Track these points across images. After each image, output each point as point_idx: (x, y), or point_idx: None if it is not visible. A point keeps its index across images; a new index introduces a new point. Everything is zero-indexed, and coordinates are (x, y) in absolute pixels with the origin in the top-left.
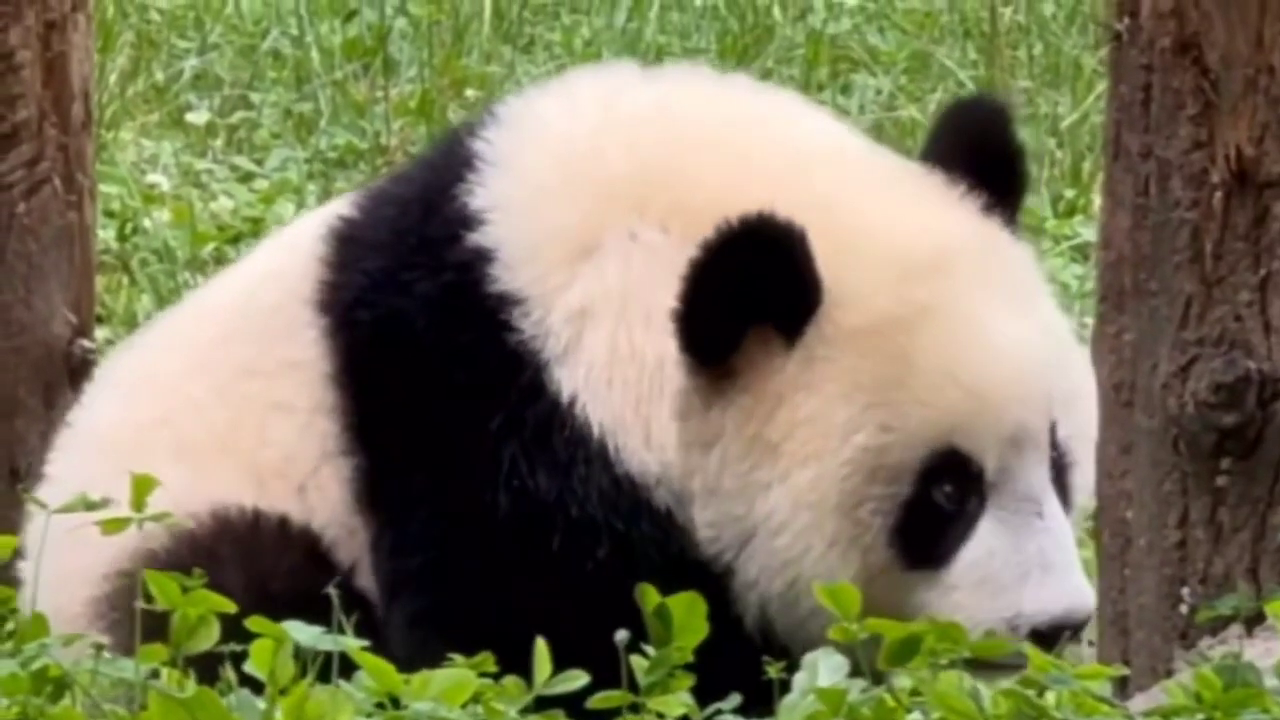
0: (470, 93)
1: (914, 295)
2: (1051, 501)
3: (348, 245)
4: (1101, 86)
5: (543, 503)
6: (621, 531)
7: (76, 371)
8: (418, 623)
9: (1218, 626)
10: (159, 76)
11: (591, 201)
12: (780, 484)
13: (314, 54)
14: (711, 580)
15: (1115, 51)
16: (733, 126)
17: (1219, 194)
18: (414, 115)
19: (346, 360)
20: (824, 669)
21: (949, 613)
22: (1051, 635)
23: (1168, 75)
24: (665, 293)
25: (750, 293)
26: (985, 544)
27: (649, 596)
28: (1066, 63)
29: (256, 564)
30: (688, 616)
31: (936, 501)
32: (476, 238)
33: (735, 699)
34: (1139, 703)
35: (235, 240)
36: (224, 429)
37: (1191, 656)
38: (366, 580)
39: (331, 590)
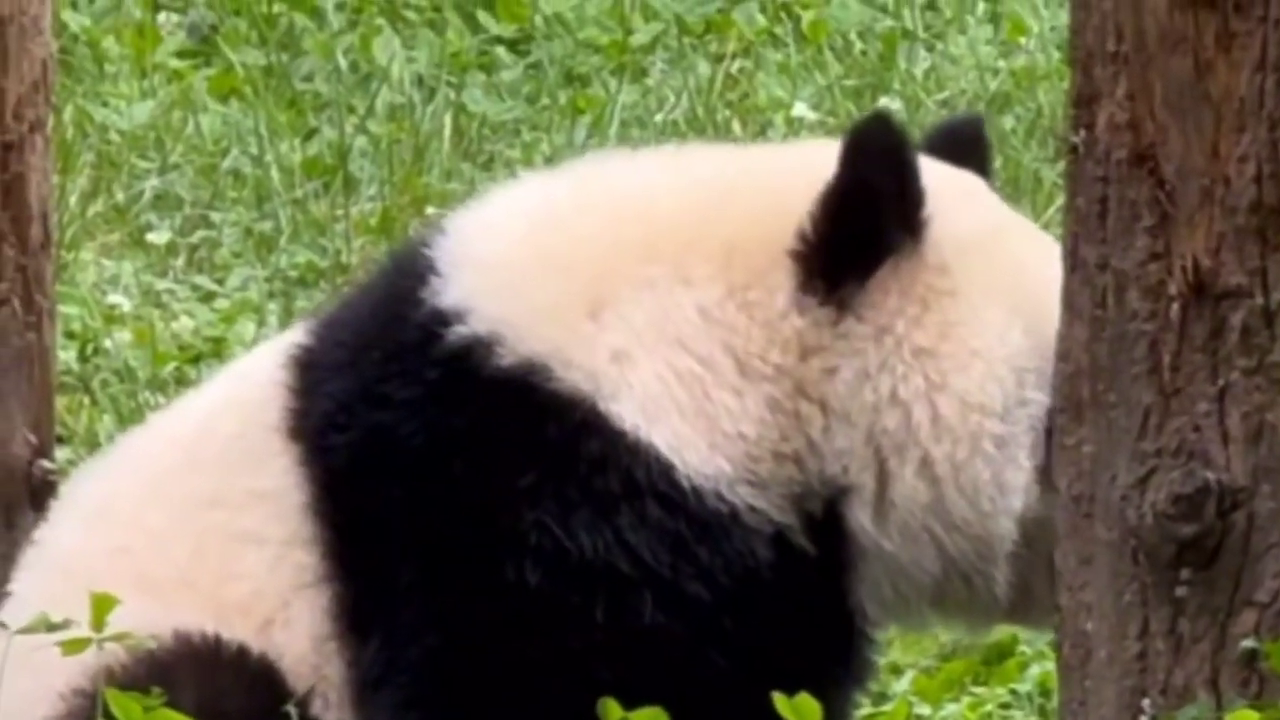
0: (431, 210)
1: (986, 216)
2: None
3: (310, 371)
4: (1061, 199)
5: (585, 563)
6: (676, 572)
7: (37, 492)
8: None
9: None
10: (119, 197)
11: (590, 263)
12: (940, 389)
13: (274, 173)
14: (799, 571)
15: (1072, 164)
16: (698, 169)
17: (1176, 305)
18: (375, 233)
19: (323, 487)
20: None
21: None
22: None
23: (1124, 187)
24: (692, 324)
25: (889, 199)
26: None
27: (611, 713)
28: (1026, 176)
29: (213, 685)
30: None
31: None
32: (461, 329)
33: None
34: None
35: (196, 360)
36: (185, 562)
37: None
38: (323, 710)
39: (290, 708)
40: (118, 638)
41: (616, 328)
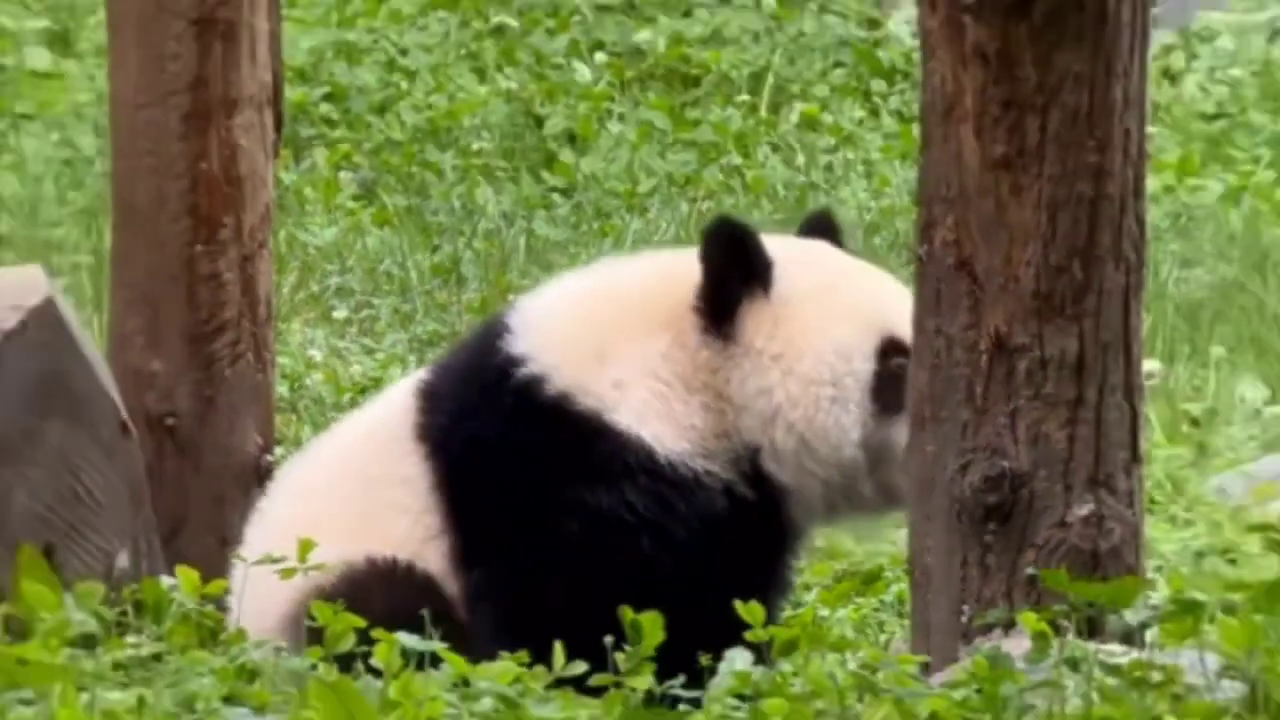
0: (512, 296)
1: (819, 264)
2: None
3: (430, 397)
4: (910, 289)
5: (603, 515)
6: (656, 511)
7: (262, 476)
8: (504, 633)
9: (986, 630)
10: (315, 289)
11: (610, 336)
12: (788, 375)
13: (413, 273)
14: (747, 504)
15: (918, 268)
16: (657, 267)
17: (985, 357)
18: (477, 311)
19: (440, 474)
20: (738, 660)
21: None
22: None
23: (952, 283)
24: (657, 361)
25: (737, 267)
26: None
27: (627, 616)
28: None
29: (394, 592)
30: (652, 628)
31: (892, 370)
32: (524, 370)
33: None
34: (937, 679)
35: (363, 392)
36: (358, 523)
37: (969, 650)
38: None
39: (424, 612)
40: (316, 567)
41: (615, 367)
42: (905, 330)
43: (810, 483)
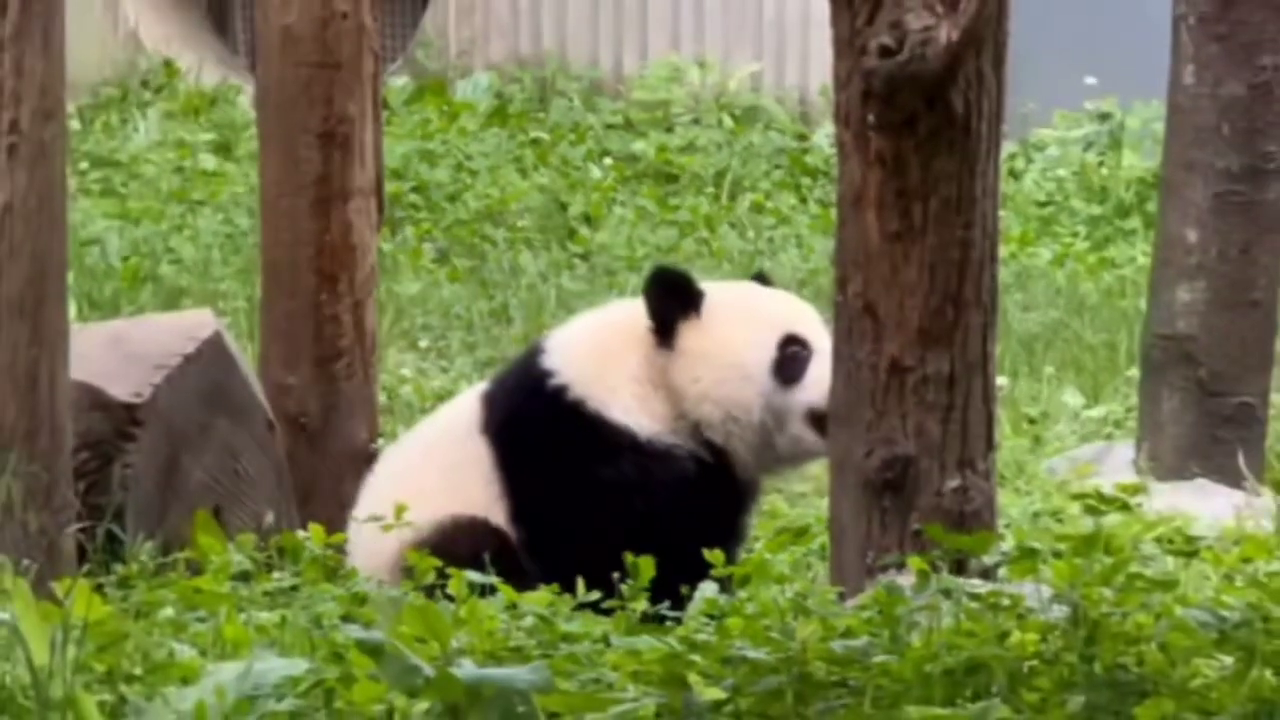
0: (546, 332)
1: (740, 295)
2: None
3: (490, 401)
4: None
5: (604, 483)
6: (642, 477)
7: (370, 459)
8: (546, 570)
9: (884, 570)
10: (405, 325)
11: (607, 355)
12: (710, 366)
13: (475, 315)
14: (709, 467)
15: (836, 310)
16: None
17: (884, 374)
18: (521, 342)
19: (500, 457)
20: (707, 590)
21: (800, 402)
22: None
23: (859, 322)
24: (635, 371)
25: (673, 297)
26: (814, 369)
27: (629, 559)
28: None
29: (473, 541)
30: (646, 568)
31: (788, 355)
32: (554, 381)
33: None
34: (849, 604)
35: (440, 399)
36: (447, 494)
37: (872, 584)
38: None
39: (486, 555)
40: (407, 524)
41: (610, 376)
42: (801, 328)
43: (738, 444)
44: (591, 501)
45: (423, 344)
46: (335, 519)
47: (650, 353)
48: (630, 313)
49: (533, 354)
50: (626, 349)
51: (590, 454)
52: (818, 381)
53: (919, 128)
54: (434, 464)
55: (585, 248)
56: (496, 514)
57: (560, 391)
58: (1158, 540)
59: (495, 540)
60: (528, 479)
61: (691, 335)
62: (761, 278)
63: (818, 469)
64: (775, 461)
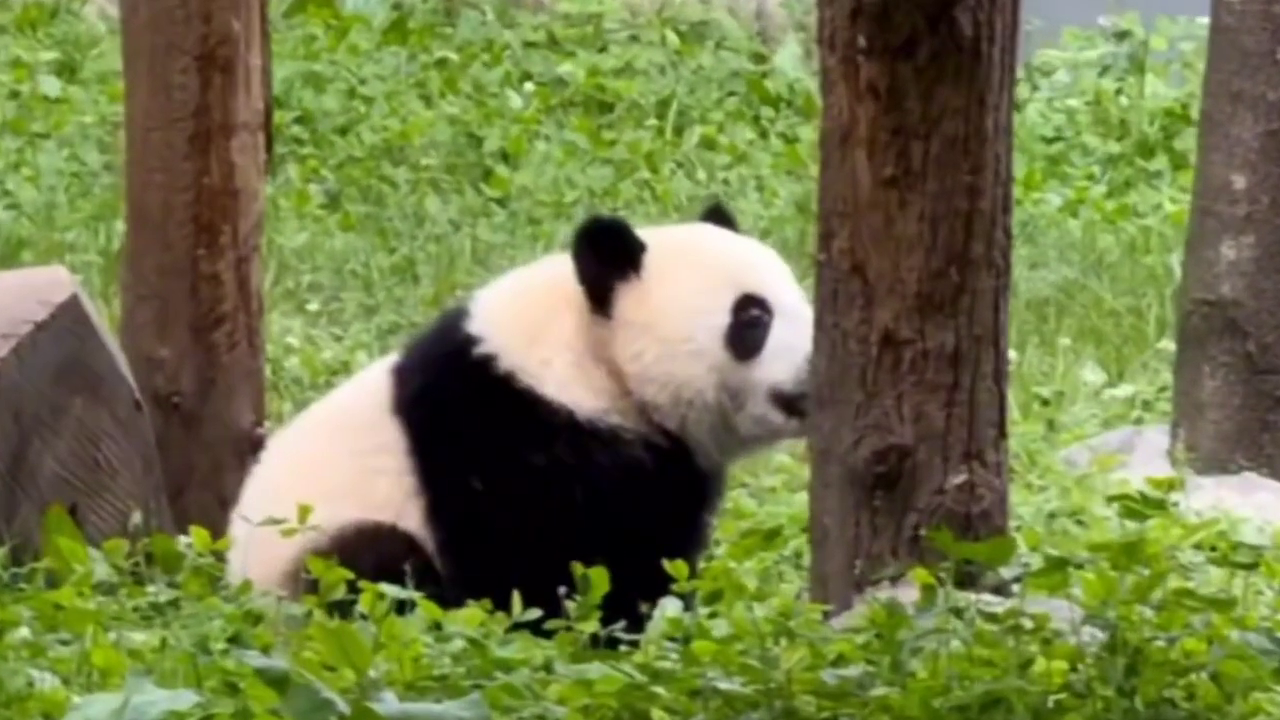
0: (460, 292)
1: (691, 247)
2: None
3: (403, 376)
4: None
5: (536, 469)
6: (583, 464)
7: (255, 445)
8: (469, 579)
9: (875, 581)
10: (290, 285)
11: (540, 321)
12: (657, 338)
13: (374, 271)
14: (665, 453)
15: (818, 270)
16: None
17: (875, 348)
18: (430, 305)
19: (414, 440)
20: (670, 607)
21: (761, 379)
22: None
23: (847, 284)
24: (571, 340)
25: (606, 256)
26: (778, 337)
27: (577, 569)
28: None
29: (380, 552)
30: (599, 580)
31: (746, 320)
32: (479, 350)
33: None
34: (835, 622)
35: (334, 374)
36: (348, 487)
37: (863, 598)
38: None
39: (406, 566)
40: (313, 528)
41: (542, 347)
42: (761, 286)
43: (694, 428)
44: (525, 493)
45: (311, 306)
46: (213, 517)
47: (588, 321)
48: (566, 271)
49: (453, 319)
50: (562, 315)
51: (522, 436)
52: (782, 353)
53: (919, 52)
54: (335, 454)
55: (503, 191)
56: (411, 514)
57: (486, 363)
58: (1198, 546)
59: (406, 550)
60: (449, 469)
61: (631, 301)
62: (717, 214)
63: (789, 457)
64: (740, 446)
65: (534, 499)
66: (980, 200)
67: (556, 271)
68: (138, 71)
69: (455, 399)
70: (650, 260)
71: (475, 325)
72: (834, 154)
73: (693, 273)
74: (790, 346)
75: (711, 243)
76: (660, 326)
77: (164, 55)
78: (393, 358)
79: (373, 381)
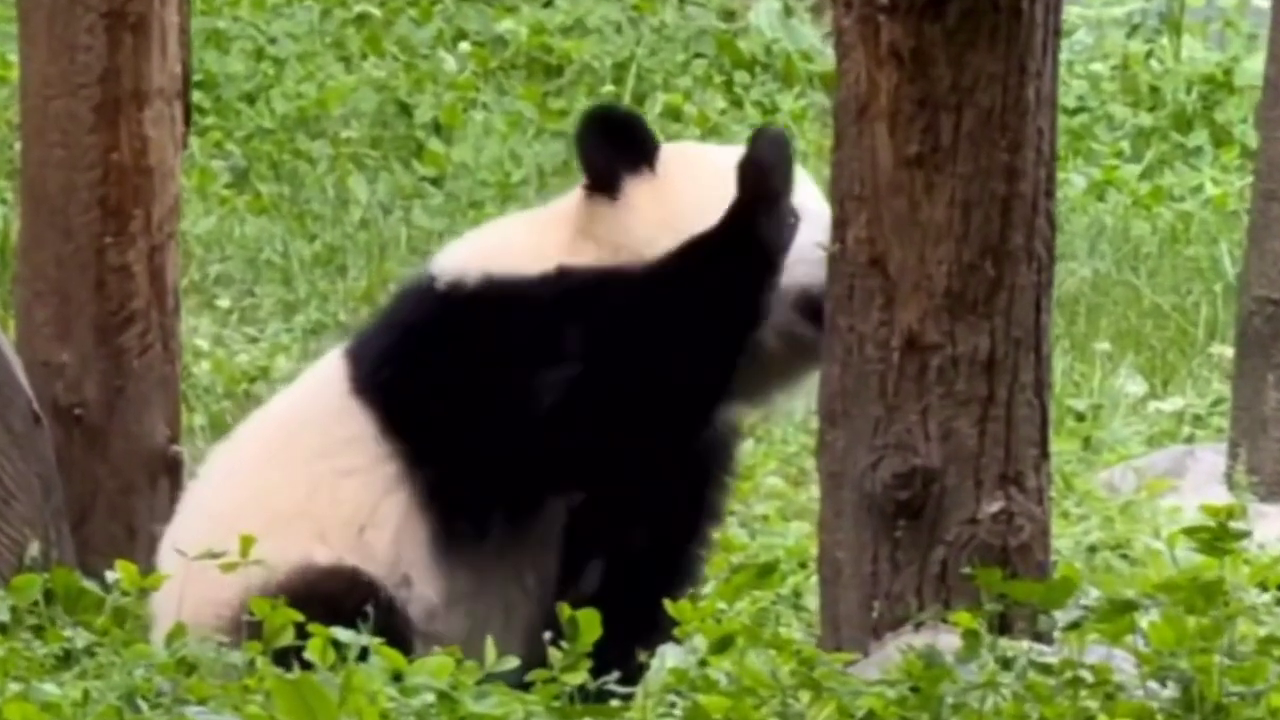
0: (392, 286)
1: (706, 152)
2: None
3: (359, 353)
4: None
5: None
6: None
7: (170, 466)
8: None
9: (895, 626)
10: (196, 277)
11: (507, 236)
12: (674, 229)
13: (294, 261)
14: None
15: (831, 263)
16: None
17: (896, 354)
18: (360, 300)
19: (387, 410)
20: (671, 655)
21: (787, 284)
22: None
23: (864, 279)
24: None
25: (619, 142)
26: (804, 240)
27: (564, 611)
28: None
29: (333, 593)
30: (589, 626)
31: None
32: (447, 276)
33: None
34: (855, 671)
35: (253, 381)
36: (302, 499)
37: (885, 646)
38: (405, 591)
39: (369, 609)
40: (257, 562)
41: (527, 244)
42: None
43: None
44: (542, 367)
45: (221, 303)
46: (121, 548)
47: (581, 207)
48: (552, 208)
49: (413, 278)
50: (550, 228)
51: (518, 323)
52: (809, 255)
53: (949, 9)
54: (288, 465)
55: (438, 169)
56: (388, 516)
57: (458, 281)
58: (1262, 585)
59: (366, 592)
60: (440, 387)
61: (644, 192)
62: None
63: (783, 480)
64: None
65: (512, 416)
66: (1020, 182)
67: (538, 212)
68: (34, 29)
69: (428, 325)
70: (666, 158)
71: (439, 263)
72: (849, 129)
73: (713, 172)
74: (818, 250)
75: (729, 149)
76: (678, 221)
77: (65, 11)
78: (342, 345)
79: (322, 373)
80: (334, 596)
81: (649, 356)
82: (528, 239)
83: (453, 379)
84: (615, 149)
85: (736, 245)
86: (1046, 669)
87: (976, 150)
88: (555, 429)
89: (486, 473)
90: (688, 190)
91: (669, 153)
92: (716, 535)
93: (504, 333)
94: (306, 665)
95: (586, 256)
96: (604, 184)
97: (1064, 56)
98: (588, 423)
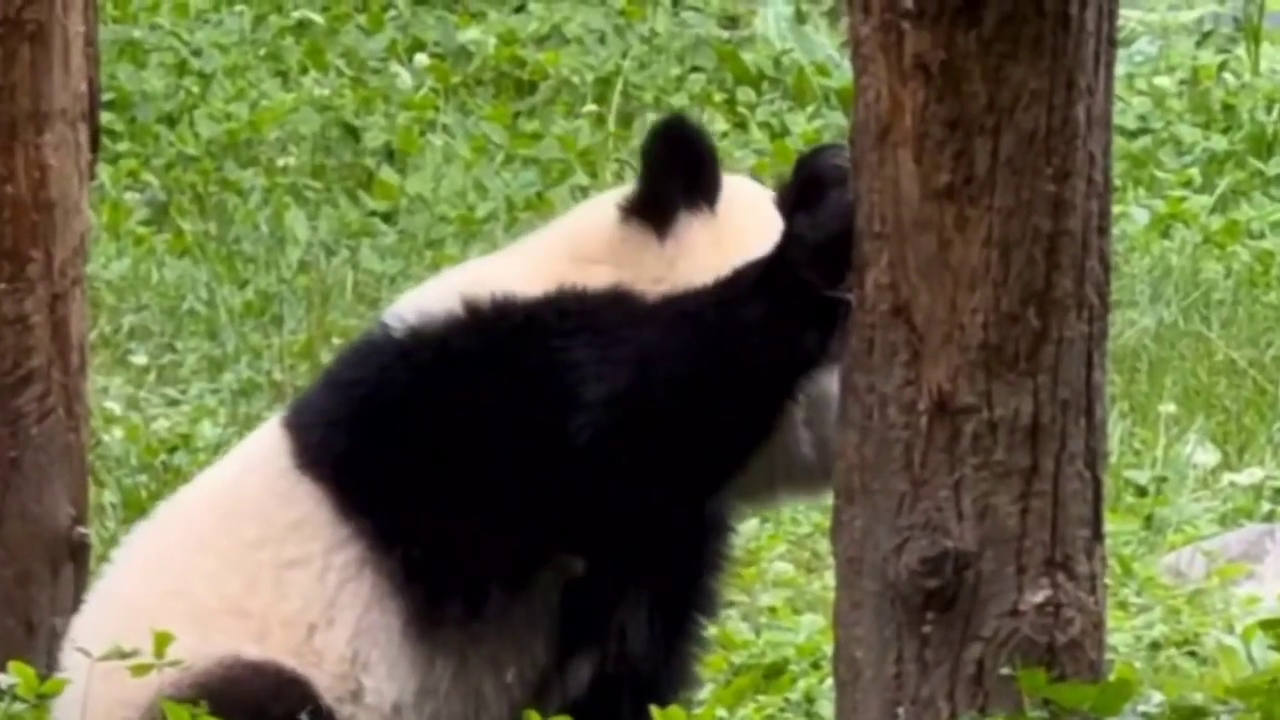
0: (336, 340)
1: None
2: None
3: (301, 421)
4: None
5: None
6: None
7: (75, 550)
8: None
9: None
10: (106, 329)
11: (494, 269)
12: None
13: (221, 311)
14: None
15: (847, 313)
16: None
17: (924, 418)
18: (299, 356)
19: (346, 483)
20: None
21: None
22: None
23: (886, 331)
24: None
25: (685, 168)
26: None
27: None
28: None
29: (259, 698)
30: None
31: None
32: (412, 321)
33: None
34: None
35: (173, 451)
36: (238, 594)
37: None
38: (354, 708)
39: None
40: (174, 663)
41: (522, 267)
42: None
43: None
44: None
45: (136, 359)
46: (18, 648)
47: (609, 232)
48: (536, 240)
49: (362, 333)
50: (543, 256)
51: (521, 349)
52: None
53: (984, 15)
54: (217, 554)
55: (391, 202)
56: (345, 616)
57: (423, 325)
58: None
59: (299, 697)
60: (412, 451)
61: (701, 236)
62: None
63: (793, 565)
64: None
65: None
66: (1068, 218)
67: (505, 251)
68: None
69: (391, 391)
70: (727, 198)
71: (390, 316)
72: (869, 155)
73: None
74: None
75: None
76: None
77: None
78: (278, 415)
79: (257, 449)
80: (258, 699)
81: (683, 390)
82: (516, 267)
83: (427, 439)
84: (681, 177)
85: (779, 283)
86: None
87: (1017, 180)
88: (565, 477)
89: (480, 542)
90: (749, 239)
91: (730, 191)
92: (714, 630)
93: (494, 370)
94: None
95: (601, 280)
96: (657, 216)
97: (1121, 70)
98: (603, 470)
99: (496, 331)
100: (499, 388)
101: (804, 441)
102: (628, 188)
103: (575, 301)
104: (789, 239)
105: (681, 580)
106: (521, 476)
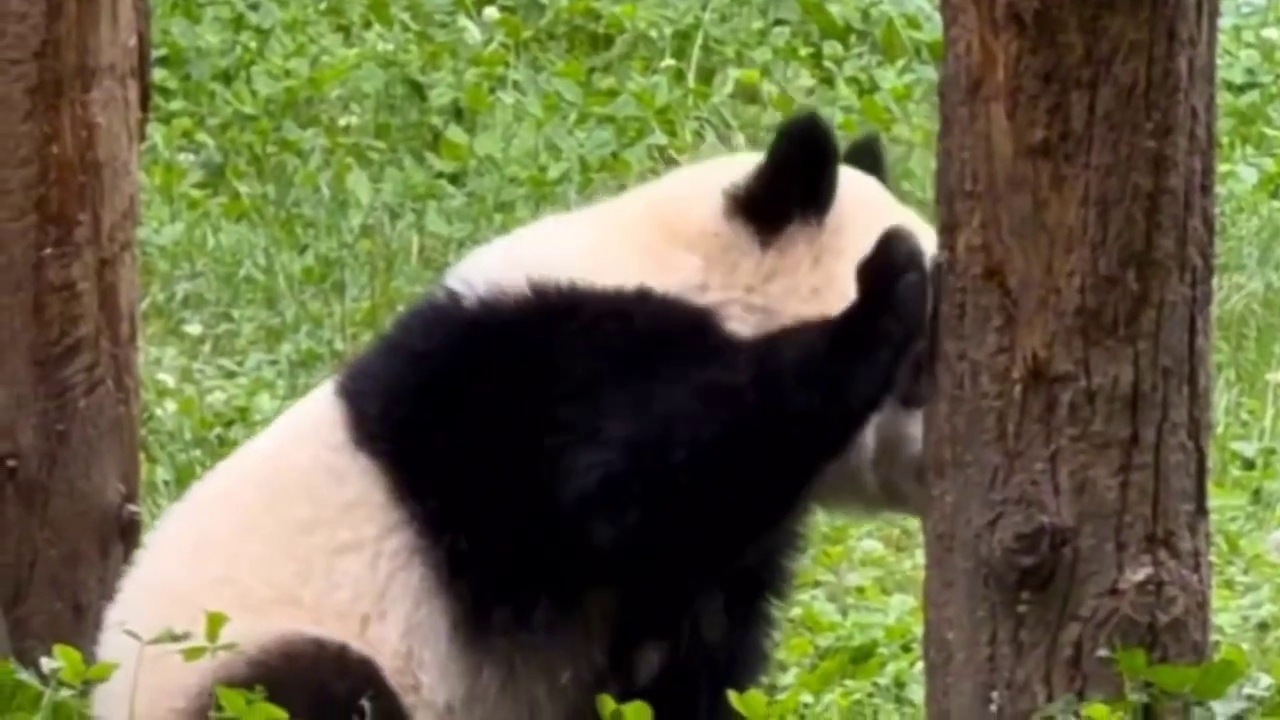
0: (401, 308)
1: (874, 211)
2: None
3: (358, 390)
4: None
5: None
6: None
7: (125, 529)
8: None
9: None
10: (160, 298)
11: (586, 235)
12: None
13: (279, 278)
14: None
15: (937, 277)
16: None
17: (1018, 387)
18: (362, 325)
19: (406, 459)
20: None
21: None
22: None
23: (978, 295)
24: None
25: (806, 175)
26: None
27: (606, 706)
28: None
29: (320, 680)
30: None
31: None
32: (479, 290)
33: None
34: None
35: (229, 425)
36: (288, 582)
37: None
38: (413, 699)
39: (365, 702)
40: (228, 647)
41: (593, 252)
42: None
43: None
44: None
45: (190, 329)
46: (65, 630)
47: (710, 228)
48: (617, 208)
49: (424, 298)
50: (624, 233)
51: (577, 350)
52: None
53: None
54: (264, 536)
55: (458, 163)
56: (397, 608)
57: (493, 296)
58: None
59: (363, 678)
60: (471, 431)
61: (806, 249)
62: (868, 154)
63: (880, 543)
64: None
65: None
66: (1169, 175)
67: (606, 208)
68: None
69: (455, 364)
70: (840, 209)
71: (456, 281)
72: (959, 110)
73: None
74: None
75: (909, 214)
76: (829, 297)
77: None
78: (331, 382)
79: (309, 419)
80: (320, 677)
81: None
82: (592, 243)
83: (488, 421)
84: (800, 185)
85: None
86: None
87: (1116, 136)
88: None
89: (532, 543)
90: (849, 263)
91: (845, 199)
92: (799, 611)
93: (563, 357)
94: None
95: (680, 279)
96: (767, 221)
97: (1227, 21)
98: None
99: (564, 328)
100: (553, 386)
101: (869, 484)
102: (731, 165)
103: (646, 319)
104: (872, 339)
105: (755, 563)
106: (582, 472)
